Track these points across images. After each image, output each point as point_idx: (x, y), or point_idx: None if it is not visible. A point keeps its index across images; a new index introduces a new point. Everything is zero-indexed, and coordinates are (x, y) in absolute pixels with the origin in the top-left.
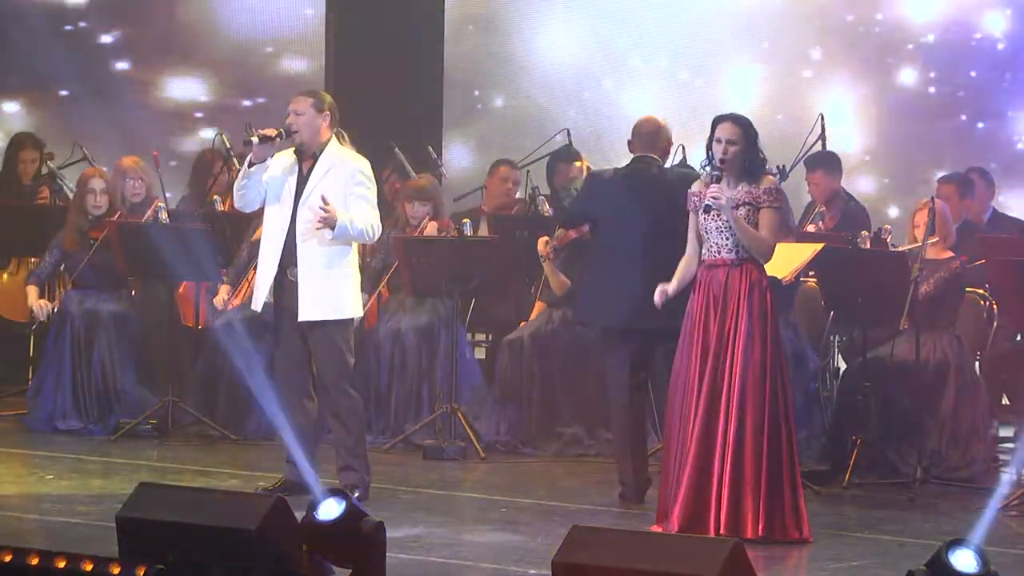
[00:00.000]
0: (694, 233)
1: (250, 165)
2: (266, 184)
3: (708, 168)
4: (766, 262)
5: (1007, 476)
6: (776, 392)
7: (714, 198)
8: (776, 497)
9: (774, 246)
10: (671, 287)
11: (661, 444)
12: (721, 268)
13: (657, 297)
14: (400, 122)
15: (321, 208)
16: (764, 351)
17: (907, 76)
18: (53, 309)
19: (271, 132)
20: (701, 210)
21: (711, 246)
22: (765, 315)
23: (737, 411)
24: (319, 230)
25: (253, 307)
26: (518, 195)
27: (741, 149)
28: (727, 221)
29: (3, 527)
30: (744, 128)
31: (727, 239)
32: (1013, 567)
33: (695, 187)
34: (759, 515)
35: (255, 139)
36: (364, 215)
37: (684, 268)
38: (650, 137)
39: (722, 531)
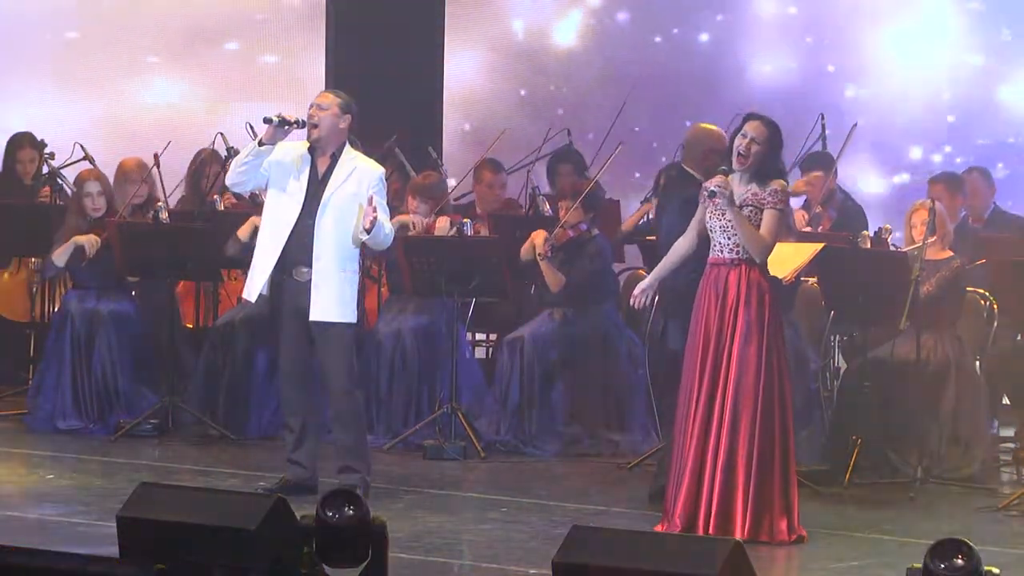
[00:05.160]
0: (696, 224)
1: (260, 144)
2: (267, 169)
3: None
4: (761, 260)
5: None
6: (771, 394)
7: (718, 187)
8: (765, 498)
9: (771, 246)
10: (646, 282)
11: (661, 444)
12: (723, 267)
13: (637, 292)
14: (400, 122)
15: (374, 207)
16: (759, 353)
17: None
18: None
19: (291, 117)
20: (707, 198)
21: (715, 245)
22: (763, 317)
23: (731, 412)
24: (368, 226)
25: (246, 296)
26: (510, 196)
27: (763, 150)
28: (730, 220)
29: (3, 527)
30: (771, 132)
31: (728, 239)
32: (1013, 567)
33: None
34: (747, 516)
35: (275, 119)
36: (387, 222)
37: (667, 258)
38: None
39: (711, 531)
